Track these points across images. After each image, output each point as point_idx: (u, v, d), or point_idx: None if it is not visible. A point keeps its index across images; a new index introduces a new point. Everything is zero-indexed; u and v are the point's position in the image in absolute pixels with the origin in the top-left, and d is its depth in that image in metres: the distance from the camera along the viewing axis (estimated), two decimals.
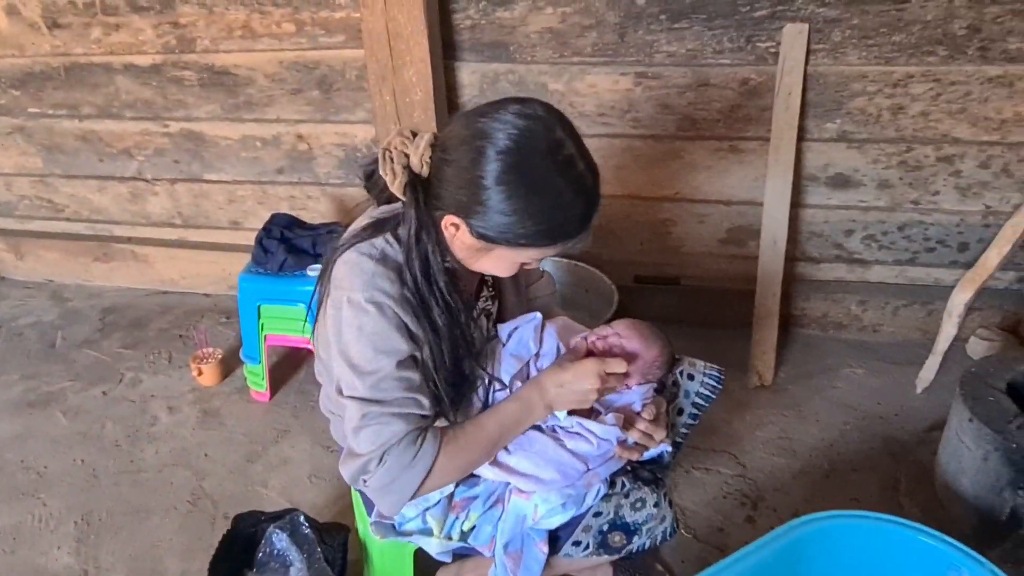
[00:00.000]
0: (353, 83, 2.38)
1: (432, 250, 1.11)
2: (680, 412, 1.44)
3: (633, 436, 1.26)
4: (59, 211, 2.93)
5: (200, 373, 2.33)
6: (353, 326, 1.10)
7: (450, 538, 1.24)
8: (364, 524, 1.49)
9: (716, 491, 1.87)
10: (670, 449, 1.33)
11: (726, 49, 2.12)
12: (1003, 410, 1.62)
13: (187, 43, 2.45)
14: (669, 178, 2.35)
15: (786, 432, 2.06)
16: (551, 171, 1.01)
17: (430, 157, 1.08)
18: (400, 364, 1.11)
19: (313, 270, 2.09)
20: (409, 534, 1.25)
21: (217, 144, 2.62)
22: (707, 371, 1.45)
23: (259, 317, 2.15)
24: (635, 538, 1.28)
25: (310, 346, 2.14)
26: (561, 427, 1.25)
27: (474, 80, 2.32)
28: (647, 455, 1.33)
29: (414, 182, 1.09)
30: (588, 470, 1.23)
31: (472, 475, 1.25)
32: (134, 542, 1.82)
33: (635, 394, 1.28)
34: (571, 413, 1.24)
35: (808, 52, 2.07)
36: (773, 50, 2.09)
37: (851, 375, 2.27)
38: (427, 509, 1.23)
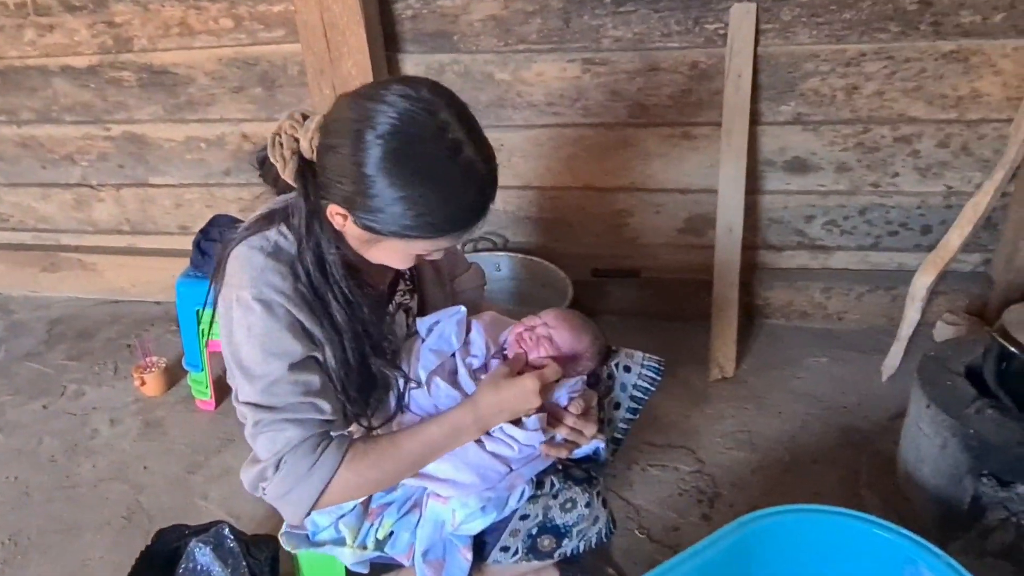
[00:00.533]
0: (296, 79, 2.31)
1: (326, 241, 1.04)
2: (617, 406, 1.37)
3: (561, 433, 1.19)
4: (3, 220, 2.85)
5: (143, 383, 2.24)
6: (242, 326, 1.04)
7: (364, 547, 1.17)
8: None
9: (672, 488, 1.80)
10: (603, 445, 1.26)
11: (674, 32, 2.05)
12: (961, 395, 1.55)
13: (124, 42, 2.37)
14: (623, 167, 2.28)
15: (746, 425, 1.99)
16: (437, 157, 0.94)
17: (318, 142, 1.00)
18: (293, 367, 1.04)
19: None
20: (322, 544, 1.18)
21: (161, 147, 2.54)
22: (646, 362, 1.38)
23: (199, 322, 2.07)
24: (566, 541, 1.20)
25: None
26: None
27: (419, 72, 2.24)
28: (579, 452, 1.25)
29: (304, 169, 1.02)
30: (511, 471, 1.15)
31: None
32: (63, 561, 1.73)
33: (562, 388, 1.21)
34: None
35: (757, 32, 2.01)
36: (722, 31, 2.03)
37: (815, 364, 2.21)
38: (341, 517, 1.16)
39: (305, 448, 1.05)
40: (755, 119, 2.12)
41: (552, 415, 1.18)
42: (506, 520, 1.19)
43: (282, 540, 1.18)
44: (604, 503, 1.24)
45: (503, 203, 2.40)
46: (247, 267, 1.04)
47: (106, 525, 1.82)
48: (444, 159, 0.94)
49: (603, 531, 1.24)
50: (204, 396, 2.18)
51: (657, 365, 1.39)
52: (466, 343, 1.23)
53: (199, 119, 2.46)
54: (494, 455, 1.13)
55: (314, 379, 1.06)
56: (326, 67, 2.09)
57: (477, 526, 1.15)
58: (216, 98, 2.40)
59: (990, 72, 1.96)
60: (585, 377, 1.26)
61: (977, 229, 2.01)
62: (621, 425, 1.37)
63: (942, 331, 2.23)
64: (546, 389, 1.15)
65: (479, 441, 1.14)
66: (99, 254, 2.78)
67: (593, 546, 1.23)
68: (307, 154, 1.02)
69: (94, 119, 2.53)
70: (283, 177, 1.04)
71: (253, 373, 1.04)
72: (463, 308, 1.25)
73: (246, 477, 1.09)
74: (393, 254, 1.06)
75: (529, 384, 1.11)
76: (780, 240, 2.32)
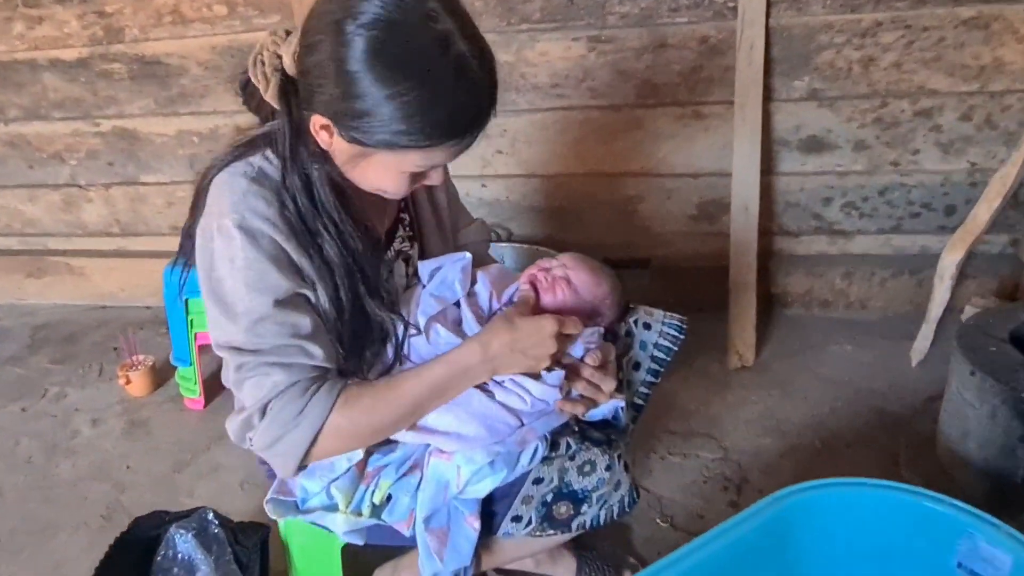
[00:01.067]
0: None
1: (314, 164, 0.94)
2: (637, 367, 1.25)
3: (577, 388, 1.07)
4: None
5: (128, 382, 2.12)
6: (224, 258, 0.93)
7: (359, 513, 1.04)
8: (286, 520, 1.28)
9: (695, 475, 1.67)
10: (623, 405, 1.14)
11: (682, 6, 1.98)
12: (1009, 360, 1.43)
13: (115, 33, 2.30)
14: (632, 151, 2.19)
15: (771, 411, 1.87)
16: (425, 51, 0.84)
17: (299, 46, 0.91)
18: (280, 304, 0.94)
19: None
20: (312, 511, 1.05)
21: (152, 142, 2.46)
22: (667, 320, 1.26)
23: (188, 313, 1.96)
24: (585, 507, 1.07)
25: None
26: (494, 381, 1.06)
27: None
28: (596, 414, 1.13)
29: (286, 85, 0.92)
30: (521, 425, 1.03)
31: (388, 439, 1.05)
32: (36, 563, 1.59)
33: (577, 340, 1.09)
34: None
35: (769, 4, 1.93)
36: (731, 4, 1.96)
37: (839, 352, 2.09)
38: (333, 481, 1.03)
39: (293, 393, 0.94)
40: (768, 96, 2.04)
41: (567, 369, 1.07)
42: (518, 484, 1.06)
43: (268, 508, 1.05)
44: (626, 468, 1.12)
45: (507, 192, 2.31)
46: (228, 193, 0.93)
47: (83, 525, 1.68)
48: (433, 53, 0.84)
49: (626, 499, 1.11)
50: (193, 394, 2.05)
51: (680, 324, 1.27)
52: (470, 294, 1.12)
53: (192, 112, 2.38)
54: (503, 406, 1.01)
55: (304, 320, 0.95)
56: None
57: (485, 486, 1.02)
58: (210, 89, 2.33)
59: (1012, 39, 1.89)
60: (602, 329, 1.15)
61: (1005, 203, 1.91)
62: (641, 389, 1.24)
63: (971, 315, 2.11)
64: (564, 340, 1.04)
65: (487, 391, 1.02)
66: (88, 257, 2.68)
67: (615, 515, 1.10)
68: (290, 70, 0.92)
69: (83, 114, 2.46)
70: (265, 98, 0.95)
71: (235, 310, 0.94)
72: (468, 254, 1.14)
73: (232, 427, 0.98)
74: (384, 173, 0.95)
75: (547, 326, 1.00)
76: (797, 225, 2.22)
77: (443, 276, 1.10)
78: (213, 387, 2.13)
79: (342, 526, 1.03)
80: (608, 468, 1.08)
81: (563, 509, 1.07)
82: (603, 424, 1.17)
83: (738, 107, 2.00)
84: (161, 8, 2.24)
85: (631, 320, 1.26)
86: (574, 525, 1.08)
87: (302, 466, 0.98)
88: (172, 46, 2.29)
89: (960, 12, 1.88)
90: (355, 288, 0.99)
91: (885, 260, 2.21)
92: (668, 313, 1.28)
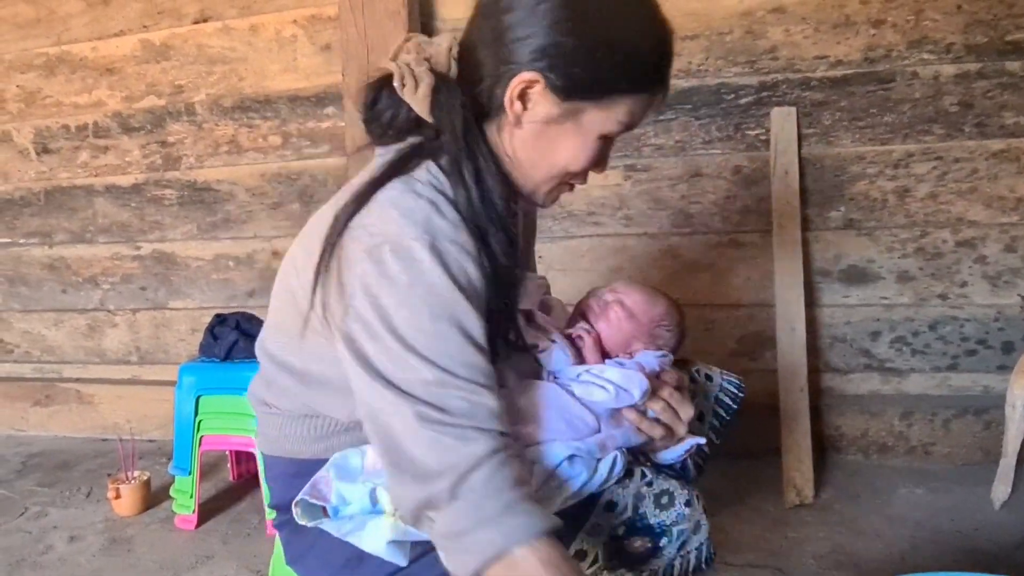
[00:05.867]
0: (334, 192, 2.30)
1: (485, 158, 0.86)
2: (700, 417, 1.11)
3: (655, 408, 0.95)
4: (8, 352, 2.70)
5: (118, 496, 1.92)
6: (400, 283, 0.78)
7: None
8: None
9: None
10: (703, 442, 1.00)
11: (715, 138, 2.07)
12: None
13: (172, 161, 2.43)
14: (668, 280, 2.16)
15: (842, 547, 1.62)
16: None
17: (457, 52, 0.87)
18: (467, 335, 0.79)
19: None
20: (346, 520, 0.86)
21: (188, 266, 2.48)
22: (725, 376, 1.18)
23: (197, 413, 1.82)
24: (664, 541, 0.91)
25: (252, 449, 1.79)
26: (568, 378, 0.96)
27: None
28: (670, 455, 1.00)
29: (439, 84, 0.86)
30: (599, 431, 0.90)
31: None
32: None
33: (649, 355, 0.99)
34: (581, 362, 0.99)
35: (800, 137, 2.01)
36: (763, 137, 2.04)
37: (909, 495, 1.86)
38: (378, 485, 0.86)
39: (493, 471, 0.75)
40: (804, 225, 2.05)
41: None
42: (587, 509, 0.89)
43: (296, 511, 0.86)
44: (705, 510, 0.94)
45: None
46: (404, 212, 0.81)
47: None
48: None
49: (704, 549, 0.94)
50: (186, 510, 1.84)
51: (739, 382, 1.18)
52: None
53: (232, 236, 2.43)
54: (581, 402, 0.91)
55: (483, 357, 0.80)
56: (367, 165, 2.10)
57: None
58: (253, 215, 2.39)
59: None
60: (670, 355, 1.05)
61: None
62: (706, 441, 1.09)
63: None
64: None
65: (567, 388, 0.93)
66: (99, 384, 2.58)
67: (692, 565, 0.91)
68: (443, 67, 0.87)
69: (127, 239, 2.52)
70: (414, 101, 0.86)
71: (414, 345, 0.77)
72: (545, 277, 1.10)
73: (403, 495, 0.78)
74: (582, 140, 0.86)
75: None
76: (845, 362, 2.11)
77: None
78: (210, 506, 1.92)
79: (387, 534, 0.82)
80: (688, 504, 0.93)
81: (638, 543, 0.90)
82: (670, 469, 1.02)
83: (776, 231, 2.00)
84: (220, 138, 2.38)
85: (692, 369, 1.16)
86: (651, 566, 0.88)
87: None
88: (224, 173, 2.39)
89: (990, 145, 1.94)
90: (509, 291, 0.88)
91: (944, 401, 2.06)
92: (725, 371, 1.19)
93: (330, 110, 2.27)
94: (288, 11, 2.26)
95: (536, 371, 0.97)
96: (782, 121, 2.00)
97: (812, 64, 1.98)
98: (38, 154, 2.54)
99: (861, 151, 2.00)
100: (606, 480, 0.89)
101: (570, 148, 0.88)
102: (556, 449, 0.88)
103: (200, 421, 1.82)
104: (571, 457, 0.87)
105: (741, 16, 2.00)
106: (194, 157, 2.41)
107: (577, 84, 0.83)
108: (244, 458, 2.09)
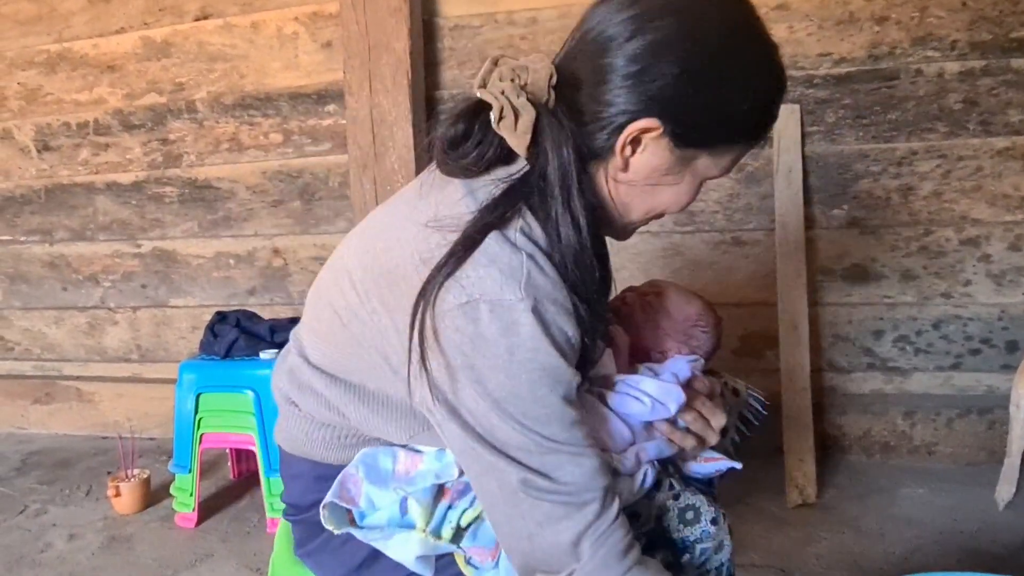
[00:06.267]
0: (336, 191, 2.31)
1: (586, 203, 0.79)
2: (723, 432, 1.09)
3: (686, 419, 0.91)
4: (8, 349, 2.69)
5: (117, 494, 1.91)
6: (497, 347, 0.74)
7: (439, 536, 0.83)
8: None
9: None
10: (738, 467, 0.98)
11: None
12: None
13: (173, 159, 2.42)
14: (670, 278, 2.13)
15: (845, 547, 1.62)
16: (757, 33, 0.80)
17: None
18: (566, 398, 0.76)
19: (267, 353, 1.81)
20: (373, 528, 0.84)
21: (188, 264, 2.47)
22: (751, 391, 1.14)
23: (197, 411, 1.81)
24: (685, 557, 0.88)
25: (251, 446, 1.79)
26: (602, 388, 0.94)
27: None
28: (701, 470, 0.98)
29: (541, 116, 0.77)
30: (633, 443, 0.88)
31: None
32: None
33: (681, 360, 0.97)
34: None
35: (803, 135, 2.00)
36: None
37: (912, 495, 1.86)
38: (409, 494, 0.84)
39: (612, 543, 0.75)
40: (808, 223, 2.03)
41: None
42: None
43: (323, 514, 0.83)
44: (730, 531, 0.93)
45: None
46: (505, 267, 0.75)
47: None
48: (763, 35, 0.80)
49: (725, 568, 0.92)
50: (186, 508, 1.84)
51: (763, 398, 1.14)
52: None
53: (232, 234, 2.42)
54: (616, 413, 0.88)
55: (580, 414, 0.78)
56: (369, 162, 2.09)
57: None
58: (254, 212, 2.39)
59: None
60: (703, 360, 1.02)
61: None
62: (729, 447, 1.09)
63: None
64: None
65: (602, 398, 0.89)
66: (99, 382, 2.58)
67: None
68: (541, 97, 0.77)
69: (127, 236, 2.51)
70: (514, 136, 0.77)
71: (514, 414, 0.74)
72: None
73: (518, 555, 0.78)
74: (689, 185, 0.83)
75: None
76: (848, 361, 2.10)
77: None
78: (210, 504, 1.92)
79: (415, 549, 0.80)
80: (714, 522, 0.90)
81: (659, 557, 0.87)
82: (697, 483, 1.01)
83: (779, 230, 1.99)
84: (221, 136, 2.37)
85: (721, 382, 1.14)
86: None
87: None
88: (225, 170, 2.39)
89: (994, 142, 1.92)
90: (594, 342, 0.83)
91: (948, 400, 2.05)
92: (750, 385, 1.17)
93: (331, 107, 2.27)
94: (289, 8, 2.25)
95: None
96: (785, 119, 1.99)
97: (816, 61, 1.97)
98: (39, 151, 2.53)
99: (865, 149, 1.99)
100: (635, 494, 0.88)
101: (675, 193, 0.84)
102: None
103: (200, 419, 1.81)
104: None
105: None
106: (195, 155, 2.40)
107: (696, 133, 0.79)
108: (244, 456, 2.08)
